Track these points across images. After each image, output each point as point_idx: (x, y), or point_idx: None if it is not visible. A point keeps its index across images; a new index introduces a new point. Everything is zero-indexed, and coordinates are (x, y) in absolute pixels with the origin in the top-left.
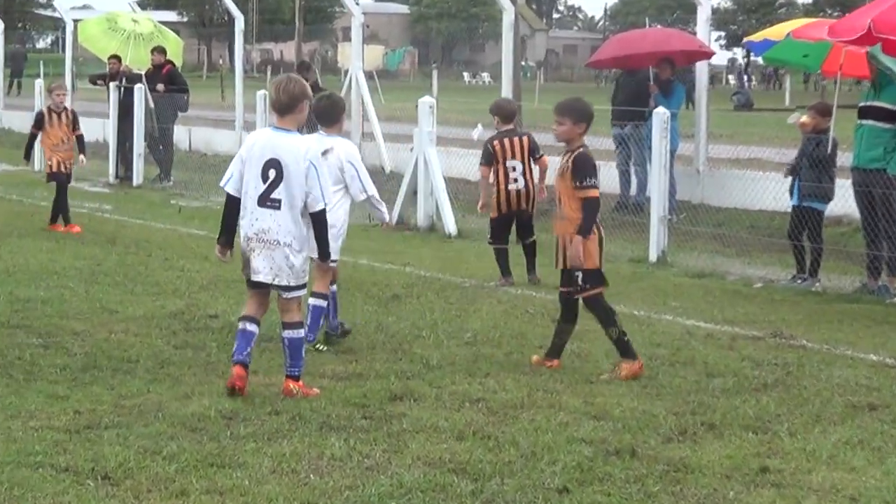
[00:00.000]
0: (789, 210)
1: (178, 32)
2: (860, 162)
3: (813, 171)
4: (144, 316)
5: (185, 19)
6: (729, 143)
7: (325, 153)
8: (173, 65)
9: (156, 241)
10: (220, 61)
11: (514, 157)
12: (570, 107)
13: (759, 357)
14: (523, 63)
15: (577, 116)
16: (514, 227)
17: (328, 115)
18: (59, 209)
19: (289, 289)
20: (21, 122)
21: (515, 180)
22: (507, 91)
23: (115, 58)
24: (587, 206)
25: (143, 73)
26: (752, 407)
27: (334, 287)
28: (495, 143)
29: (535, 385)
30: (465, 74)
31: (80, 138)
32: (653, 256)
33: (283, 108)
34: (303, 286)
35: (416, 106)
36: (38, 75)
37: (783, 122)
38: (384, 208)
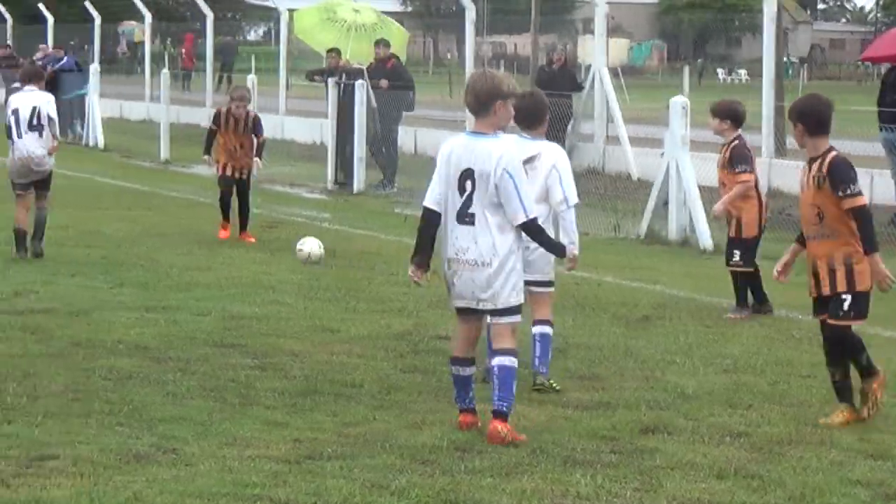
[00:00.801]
0: None
1: (401, 23)
2: None
3: None
4: (368, 336)
5: (410, 9)
6: None
7: (529, 160)
8: (397, 59)
9: (379, 253)
10: (448, 55)
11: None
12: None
13: None
14: (785, 59)
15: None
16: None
17: (533, 115)
18: (235, 213)
19: (496, 313)
20: None
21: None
22: (767, 90)
23: (334, 51)
24: (860, 216)
25: (364, 67)
26: None
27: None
28: (749, 148)
29: (803, 419)
30: (720, 71)
31: (261, 144)
32: None
33: (474, 109)
34: (515, 310)
35: (667, 106)
36: (249, 70)
37: None
38: (576, 237)
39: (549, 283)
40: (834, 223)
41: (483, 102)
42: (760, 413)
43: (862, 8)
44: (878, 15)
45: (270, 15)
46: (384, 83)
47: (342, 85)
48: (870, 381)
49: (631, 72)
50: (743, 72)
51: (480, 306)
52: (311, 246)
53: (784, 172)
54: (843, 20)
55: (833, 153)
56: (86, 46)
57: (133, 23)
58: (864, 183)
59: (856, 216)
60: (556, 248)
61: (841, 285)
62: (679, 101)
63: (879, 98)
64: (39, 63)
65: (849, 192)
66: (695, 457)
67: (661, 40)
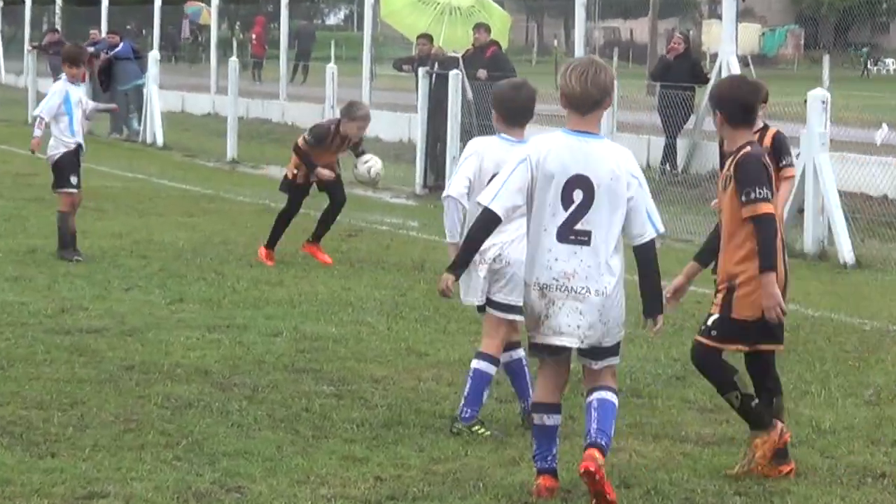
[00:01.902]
0: None
1: (502, 6)
2: None
3: None
4: (460, 360)
5: None
6: None
7: None
8: (498, 46)
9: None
10: (555, 42)
11: None
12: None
13: None
14: None
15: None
16: None
17: (522, 111)
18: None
19: (602, 353)
20: (307, 116)
21: None
22: None
23: (426, 37)
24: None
25: (459, 56)
26: None
27: (521, 352)
28: None
29: None
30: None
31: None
32: None
33: (591, 103)
34: (619, 348)
35: (805, 100)
36: (328, 58)
37: None
38: None
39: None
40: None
41: (605, 95)
42: None
43: None
44: None
45: None
46: (483, 73)
47: (434, 75)
48: (760, 435)
49: (762, 61)
50: (890, 61)
51: (585, 345)
52: (375, 162)
53: None
54: None
55: (747, 148)
56: (144, 31)
57: (199, 3)
58: None
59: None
60: (657, 302)
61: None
62: (818, 95)
63: None
64: (90, 49)
65: (752, 196)
66: (831, 500)
67: (798, 26)
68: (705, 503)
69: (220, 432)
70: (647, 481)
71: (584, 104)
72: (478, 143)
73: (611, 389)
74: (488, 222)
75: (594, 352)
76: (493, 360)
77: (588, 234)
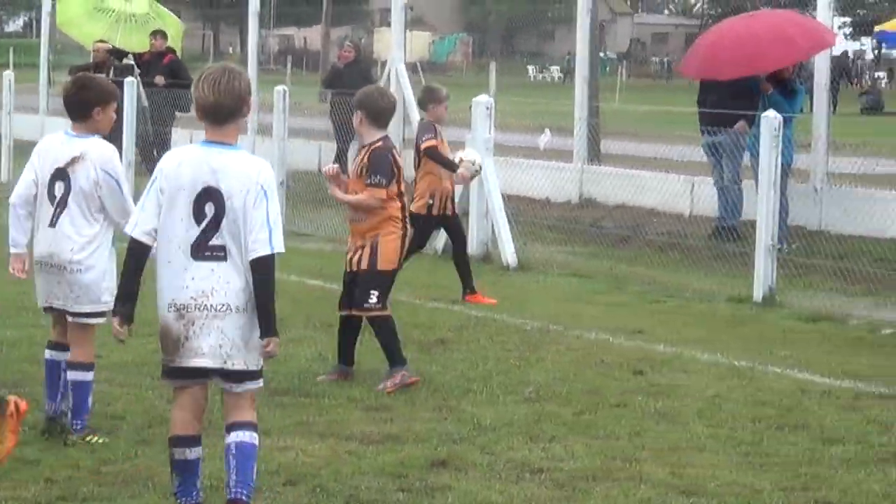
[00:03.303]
0: None
1: (178, 14)
2: None
3: None
4: (133, 362)
5: None
6: (855, 155)
7: (71, 162)
8: (175, 53)
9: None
10: (230, 49)
11: None
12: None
13: (887, 419)
14: (602, 55)
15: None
16: None
17: (82, 105)
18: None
19: (243, 376)
20: None
21: None
22: (581, 89)
23: (102, 45)
24: None
25: (132, 63)
26: (879, 481)
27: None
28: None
29: (610, 452)
30: (530, 68)
31: None
32: (758, 295)
33: (225, 113)
34: (260, 373)
35: (470, 106)
36: (6, 65)
37: None
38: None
39: (100, 314)
40: None
41: (241, 104)
42: (564, 446)
43: None
44: (705, 7)
45: (32, 3)
46: (160, 80)
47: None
48: None
49: (433, 68)
50: (555, 69)
51: (228, 364)
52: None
53: (598, 180)
54: (667, 12)
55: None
56: None
57: None
58: (685, 191)
59: None
60: (269, 321)
61: None
62: (483, 101)
63: (698, 98)
64: None
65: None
66: (490, 495)
67: (467, 34)
68: (369, 499)
69: None
70: (313, 479)
71: (219, 114)
72: (41, 142)
73: (249, 426)
74: (135, 251)
75: (236, 374)
76: (90, 366)
77: (224, 248)
